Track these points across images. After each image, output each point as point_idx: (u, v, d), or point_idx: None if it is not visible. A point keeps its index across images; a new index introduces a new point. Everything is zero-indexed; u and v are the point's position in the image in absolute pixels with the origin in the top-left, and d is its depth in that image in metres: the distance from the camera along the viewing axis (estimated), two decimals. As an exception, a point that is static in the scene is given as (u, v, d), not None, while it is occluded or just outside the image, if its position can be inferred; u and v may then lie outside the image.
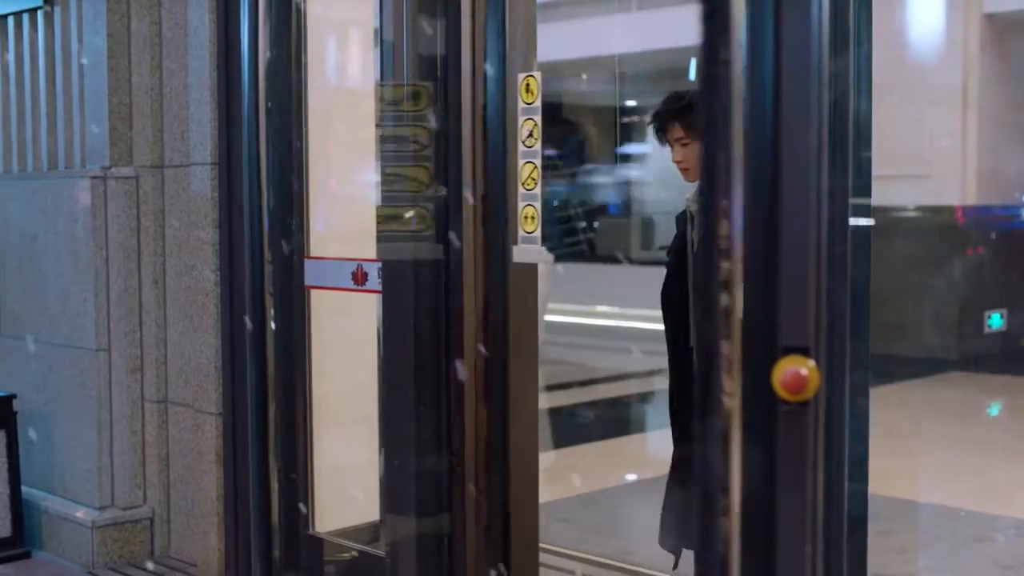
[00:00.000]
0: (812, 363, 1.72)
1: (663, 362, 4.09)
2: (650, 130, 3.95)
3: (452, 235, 3.69)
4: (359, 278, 4.10)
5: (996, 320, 10.71)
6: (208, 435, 4.78)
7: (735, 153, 1.71)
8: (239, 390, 4.69)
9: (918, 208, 10.83)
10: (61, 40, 5.19)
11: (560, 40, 11.41)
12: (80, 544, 4.96)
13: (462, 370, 3.61)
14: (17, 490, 5.08)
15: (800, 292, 1.72)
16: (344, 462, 4.81)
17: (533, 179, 3.58)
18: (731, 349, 1.72)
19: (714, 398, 3.15)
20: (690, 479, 3.78)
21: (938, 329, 10.50)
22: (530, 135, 3.60)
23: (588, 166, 15.70)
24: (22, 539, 5.08)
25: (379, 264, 3.96)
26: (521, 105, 3.63)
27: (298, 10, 4.29)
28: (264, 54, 2.65)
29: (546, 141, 4.14)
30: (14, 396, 5.12)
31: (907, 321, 10.27)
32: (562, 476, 6.50)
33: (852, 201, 2.08)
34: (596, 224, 15.34)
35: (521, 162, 3.62)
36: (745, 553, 1.77)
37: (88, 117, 5.06)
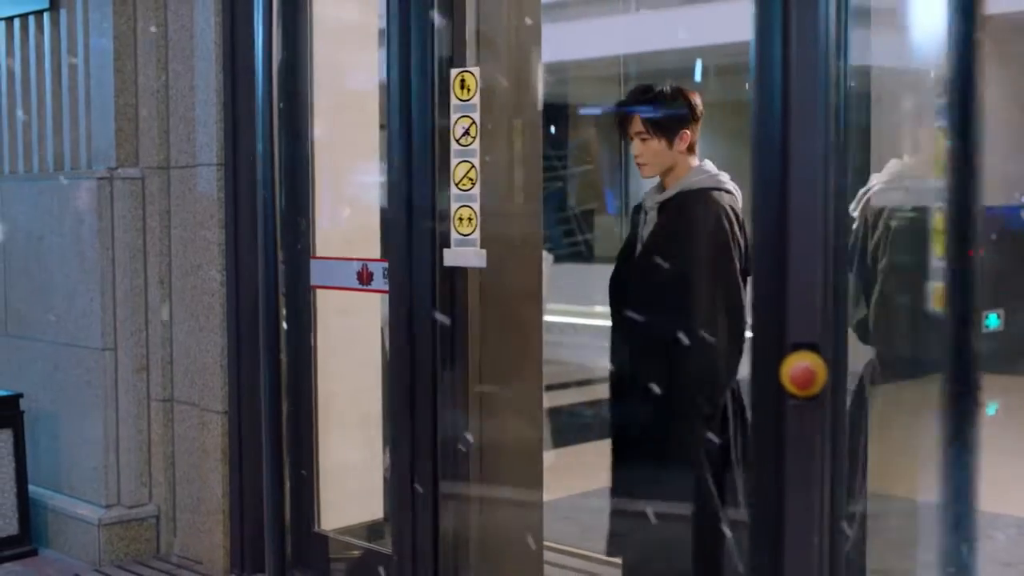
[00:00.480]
0: (820, 359, 1.76)
1: None
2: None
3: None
4: (364, 278, 4.15)
5: (993, 320, 10.74)
6: (214, 433, 4.81)
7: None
8: (245, 389, 4.73)
9: (915, 209, 10.86)
10: (67, 42, 5.23)
11: (560, 40, 11.44)
12: (86, 542, 5.00)
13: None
14: (24, 488, 5.11)
15: (808, 289, 1.76)
16: (348, 460, 4.85)
17: (470, 179, 3.48)
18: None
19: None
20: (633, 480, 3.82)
21: (936, 329, 10.53)
22: (466, 133, 3.47)
23: (587, 166, 15.73)
24: (29, 537, 5.12)
25: (384, 264, 4.01)
26: (455, 102, 3.48)
27: (305, 12, 4.34)
28: (277, 55, 2.69)
29: (545, 141, 4.16)
30: (20, 395, 5.16)
31: (903, 321, 10.30)
32: (563, 475, 6.53)
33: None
34: (595, 224, 15.37)
35: (455, 161, 3.49)
36: (754, 543, 1.81)
37: (94, 118, 5.10)
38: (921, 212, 3.76)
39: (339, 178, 4.73)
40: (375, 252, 4.63)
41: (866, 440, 3.69)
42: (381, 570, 4.02)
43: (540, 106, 3.90)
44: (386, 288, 3.99)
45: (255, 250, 4.59)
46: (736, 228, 3.58)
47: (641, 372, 3.66)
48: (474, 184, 3.47)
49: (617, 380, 3.89)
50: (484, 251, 3.51)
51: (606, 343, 3.92)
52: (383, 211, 4.73)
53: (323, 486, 4.70)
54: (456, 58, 3.71)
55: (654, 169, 3.70)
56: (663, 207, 3.68)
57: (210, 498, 4.85)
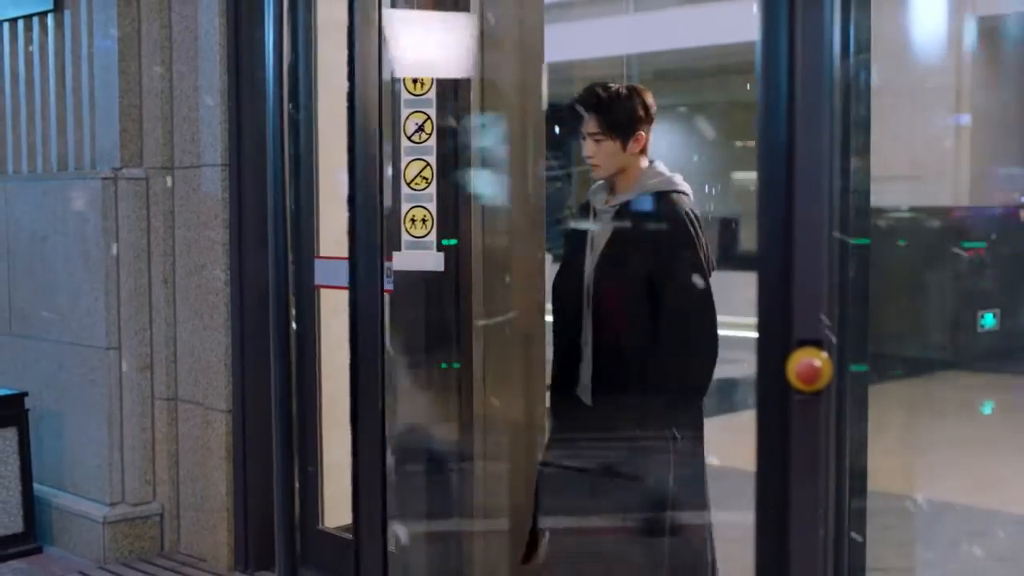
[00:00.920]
0: (825, 355, 1.81)
1: None
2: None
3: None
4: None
5: (989, 320, 10.80)
6: (218, 432, 4.85)
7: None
8: (249, 387, 4.78)
9: (911, 209, 10.92)
10: (71, 43, 5.26)
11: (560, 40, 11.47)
12: (91, 540, 5.03)
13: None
14: (29, 486, 5.15)
15: (814, 287, 1.81)
16: (349, 459, 4.88)
17: (424, 178, 3.30)
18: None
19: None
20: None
21: (933, 329, 10.59)
22: (419, 130, 3.28)
23: (586, 166, 15.76)
24: (34, 535, 5.15)
25: (389, 263, 4.04)
26: (406, 97, 3.28)
27: (311, 13, 4.38)
28: (287, 57, 2.73)
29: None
30: (25, 394, 5.19)
31: (903, 320, 10.36)
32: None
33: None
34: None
35: (406, 160, 3.29)
36: (761, 535, 1.86)
37: (98, 119, 5.13)
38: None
39: (342, 178, 4.76)
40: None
41: None
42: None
43: (545, 106, 3.92)
44: (388, 287, 4.02)
45: (259, 250, 4.63)
46: (699, 230, 3.50)
47: (608, 380, 3.54)
48: (429, 183, 3.31)
49: (560, 387, 3.72)
50: (441, 254, 3.36)
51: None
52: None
53: (325, 484, 4.75)
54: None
55: (607, 170, 3.57)
56: (621, 211, 3.56)
57: (214, 496, 4.89)
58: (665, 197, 3.52)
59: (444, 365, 4.17)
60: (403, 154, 3.29)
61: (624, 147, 3.52)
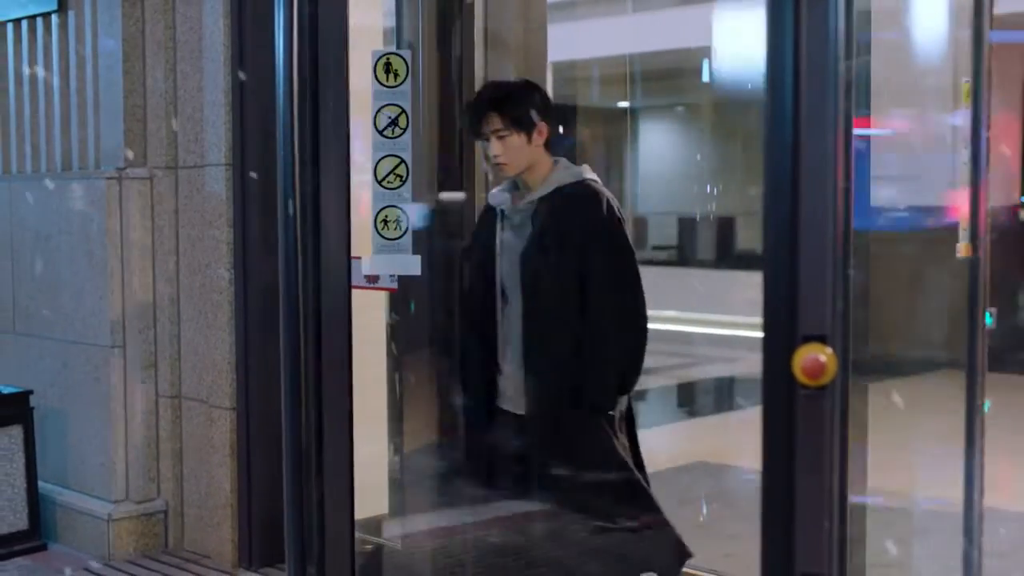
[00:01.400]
0: (830, 350, 1.85)
1: (652, 360, 4.03)
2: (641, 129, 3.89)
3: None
4: (371, 276, 4.21)
5: (986, 319, 10.83)
6: (222, 429, 4.89)
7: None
8: (253, 385, 4.82)
9: (909, 208, 10.96)
10: (75, 43, 5.30)
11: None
12: (96, 537, 5.07)
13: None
14: (34, 484, 5.18)
15: (819, 284, 1.85)
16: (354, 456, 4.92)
17: (398, 176, 3.12)
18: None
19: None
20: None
21: (930, 328, 10.64)
22: (393, 123, 3.12)
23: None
24: (38, 532, 5.19)
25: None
26: (377, 88, 3.13)
27: (316, 15, 4.41)
28: (296, 58, 2.76)
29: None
30: (30, 392, 5.23)
31: (900, 320, 10.42)
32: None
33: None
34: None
35: (377, 156, 3.13)
36: (767, 527, 1.90)
37: (103, 119, 5.17)
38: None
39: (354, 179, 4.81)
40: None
41: None
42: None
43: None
44: (393, 286, 4.06)
45: (264, 249, 4.68)
46: (622, 218, 3.48)
47: (539, 376, 3.50)
48: (403, 181, 3.12)
49: (478, 402, 3.69)
50: (418, 257, 3.16)
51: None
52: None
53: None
54: (465, 58, 3.78)
55: (516, 168, 3.51)
56: (543, 207, 3.49)
57: (218, 493, 4.93)
58: (587, 186, 3.48)
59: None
60: (373, 150, 3.13)
61: (529, 141, 3.47)
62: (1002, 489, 6.34)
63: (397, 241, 3.15)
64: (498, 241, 3.54)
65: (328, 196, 2.28)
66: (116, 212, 5.03)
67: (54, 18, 5.40)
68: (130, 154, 5.06)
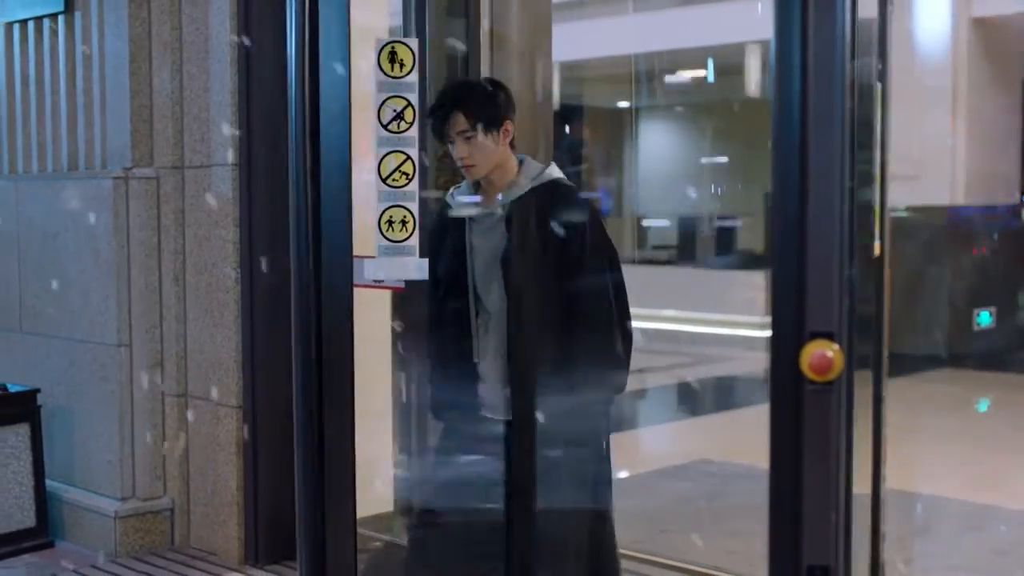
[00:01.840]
0: (836, 347, 1.89)
1: (653, 360, 3.96)
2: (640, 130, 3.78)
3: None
4: (376, 275, 4.24)
5: (985, 318, 10.90)
6: (228, 427, 4.93)
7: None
8: (260, 383, 4.85)
9: (908, 208, 11.01)
10: (82, 44, 5.33)
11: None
12: (102, 534, 5.10)
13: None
14: (41, 482, 5.22)
15: (826, 282, 1.89)
16: (359, 453, 4.96)
17: (404, 174, 2.91)
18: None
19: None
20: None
21: (928, 328, 10.68)
22: (398, 117, 2.91)
23: (582, 166, 15.86)
24: (46, 529, 5.23)
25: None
26: (381, 79, 2.92)
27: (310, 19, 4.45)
28: (307, 58, 2.78)
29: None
30: (38, 390, 5.26)
31: (899, 319, 10.46)
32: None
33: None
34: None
35: (382, 152, 2.92)
36: (774, 520, 1.94)
37: (109, 119, 5.21)
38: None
39: (362, 179, 4.84)
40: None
41: None
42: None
43: (556, 106, 3.99)
44: (399, 285, 4.09)
45: (270, 248, 4.72)
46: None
47: (530, 390, 3.36)
48: (410, 180, 2.91)
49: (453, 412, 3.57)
50: (424, 260, 2.98)
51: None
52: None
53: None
54: (471, 57, 3.80)
55: (483, 169, 3.36)
56: (518, 208, 3.36)
57: (224, 491, 4.97)
58: (560, 186, 3.39)
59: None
60: (378, 146, 2.92)
61: (496, 140, 3.35)
62: (1003, 488, 6.39)
63: (403, 243, 2.93)
64: (468, 246, 3.41)
65: (330, 196, 2.26)
66: (123, 211, 5.06)
67: (60, 19, 5.44)
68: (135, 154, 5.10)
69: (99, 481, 5.21)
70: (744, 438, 7.12)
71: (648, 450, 7.83)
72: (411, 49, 2.88)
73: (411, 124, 2.89)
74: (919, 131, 10.65)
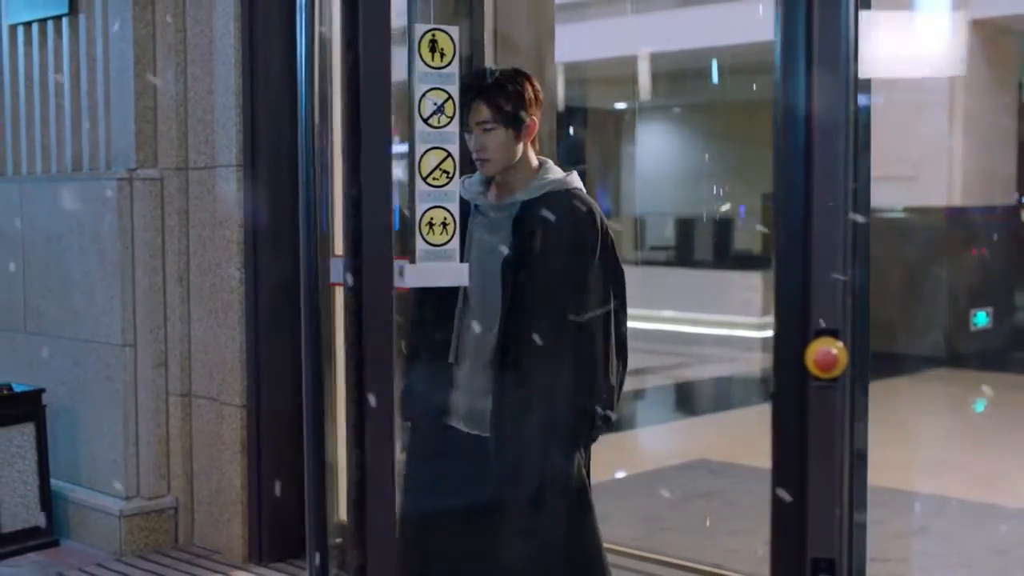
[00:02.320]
0: (841, 344, 1.93)
1: (651, 360, 3.82)
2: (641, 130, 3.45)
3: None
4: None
5: (981, 318, 10.94)
6: (232, 427, 4.96)
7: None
8: (263, 383, 4.89)
9: (906, 209, 11.05)
10: (86, 46, 5.36)
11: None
12: (107, 533, 5.14)
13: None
14: (46, 481, 5.25)
15: (830, 281, 1.93)
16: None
17: (445, 172, 2.67)
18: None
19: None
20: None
21: (926, 327, 10.72)
22: (439, 111, 2.68)
23: (580, 166, 15.91)
24: (51, 528, 5.25)
25: (403, 262, 4.14)
26: (422, 69, 2.67)
27: (319, 20, 4.49)
28: (316, 58, 2.80)
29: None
30: (43, 390, 5.29)
31: (896, 320, 10.50)
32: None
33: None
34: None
35: (421, 148, 2.65)
36: (778, 514, 1.97)
37: (114, 121, 5.24)
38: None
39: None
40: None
41: None
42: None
43: (561, 107, 4.01)
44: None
45: (275, 249, 4.76)
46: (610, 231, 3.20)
47: (518, 402, 3.13)
48: (451, 179, 2.67)
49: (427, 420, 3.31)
50: (465, 265, 2.81)
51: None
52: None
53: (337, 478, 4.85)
54: (475, 57, 3.83)
55: (500, 164, 3.16)
56: (529, 209, 3.16)
57: (228, 490, 5.00)
58: (578, 198, 3.18)
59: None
60: (418, 141, 2.66)
61: (517, 136, 3.14)
62: (1002, 487, 6.43)
63: (443, 247, 2.70)
64: (468, 238, 3.19)
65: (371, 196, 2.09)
66: (127, 212, 5.10)
67: (65, 21, 5.47)
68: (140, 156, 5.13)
69: (104, 480, 5.24)
70: (743, 438, 7.17)
71: (647, 450, 7.87)
72: (451, 37, 2.67)
73: (451, 118, 2.67)
74: (917, 132, 10.69)
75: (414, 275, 2.68)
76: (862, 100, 2.23)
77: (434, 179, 2.66)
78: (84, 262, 5.28)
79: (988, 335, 10.98)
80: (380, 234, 1.95)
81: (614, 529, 5.45)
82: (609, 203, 17.41)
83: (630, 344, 3.27)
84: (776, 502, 2.00)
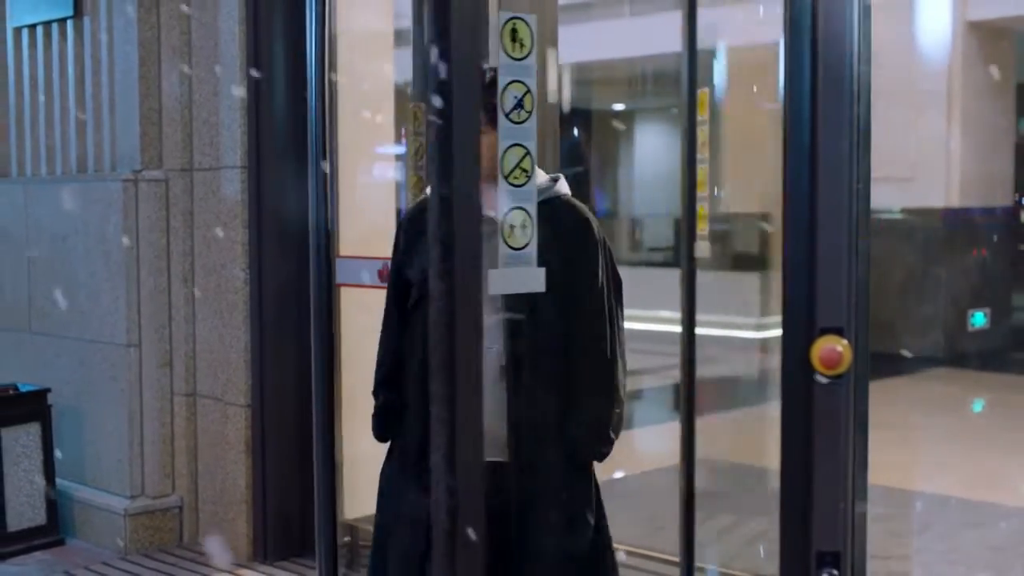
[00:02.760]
0: (845, 342, 1.96)
1: (650, 361, 3.66)
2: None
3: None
4: (384, 276, 4.32)
5: (979, 319, 10.98)
6: (237, 426, 4.99)
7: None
8: (268, 383, 4.92)
9: (904, 210, 11.09)
10: (91, 48, 5.39)
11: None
12: (112, 531, 5.17)
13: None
14: (52, 480, 5.28)
15: (836, 279, 1.97)
16: (366, 451, 5.02)
17: (524, 170, 2.53)
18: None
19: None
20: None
21: (925, 327, 10.75)
22: (519, 105, 2.50)
23: (578, 168, 15.93)
24: (56, 527, 5.29)
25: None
26: (504, 61, 2.47)
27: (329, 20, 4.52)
28: (325, 60, 2.82)
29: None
30: (48, 390, 5.32)
31: (895, 320, 10.54)
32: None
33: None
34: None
35: (504, 145, 2.50)
36: (785, 508, 2.01)
37: (119, 122, 5.27)
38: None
39: (357, 179, 4.92)
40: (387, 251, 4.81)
41: None
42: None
43: (565, 109, 4.02)
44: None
45: (279, 250, 4.79)
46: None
47: (524, 419, 2.94)
48: (529, 178, 2.53)
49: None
50: (541, 270, 2.59)
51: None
52: (399, 211, 4.95)
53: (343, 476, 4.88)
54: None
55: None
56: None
57: (233, 489, 5.03)
58: (568, 204, 3.05)
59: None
60: (500, 137, 2.50)
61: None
62: (1002, 486, 6.46)
63: (522, 251, 2.55)
64: None
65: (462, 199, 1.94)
66: (132, 213, 5.13)
67: (70, 24, 5.50)
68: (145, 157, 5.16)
69: (109, 479, 5.28)
70: (742, 438, 7.19)
71: (647, 450, 7.89)
72: (530, 27, 2.49)
73: (530, 113, 2.51)
74: (915, 133, 10.72)
75: (499, 282, 2.54)
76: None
77: (514, 178, 2.53)
78: (89, 263, 5.31)
79: (986, 335, 11.02)
80: (471, 236, 1.84)
81: (614, 529, 5.49)
82: (607, 204, 17.44)
83: (629, 345, 3.17)
84: (783, 497, 2.03)
